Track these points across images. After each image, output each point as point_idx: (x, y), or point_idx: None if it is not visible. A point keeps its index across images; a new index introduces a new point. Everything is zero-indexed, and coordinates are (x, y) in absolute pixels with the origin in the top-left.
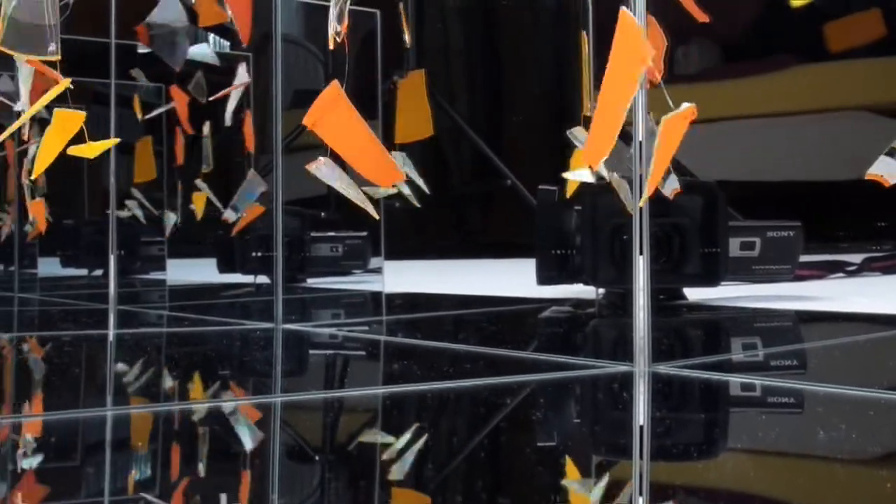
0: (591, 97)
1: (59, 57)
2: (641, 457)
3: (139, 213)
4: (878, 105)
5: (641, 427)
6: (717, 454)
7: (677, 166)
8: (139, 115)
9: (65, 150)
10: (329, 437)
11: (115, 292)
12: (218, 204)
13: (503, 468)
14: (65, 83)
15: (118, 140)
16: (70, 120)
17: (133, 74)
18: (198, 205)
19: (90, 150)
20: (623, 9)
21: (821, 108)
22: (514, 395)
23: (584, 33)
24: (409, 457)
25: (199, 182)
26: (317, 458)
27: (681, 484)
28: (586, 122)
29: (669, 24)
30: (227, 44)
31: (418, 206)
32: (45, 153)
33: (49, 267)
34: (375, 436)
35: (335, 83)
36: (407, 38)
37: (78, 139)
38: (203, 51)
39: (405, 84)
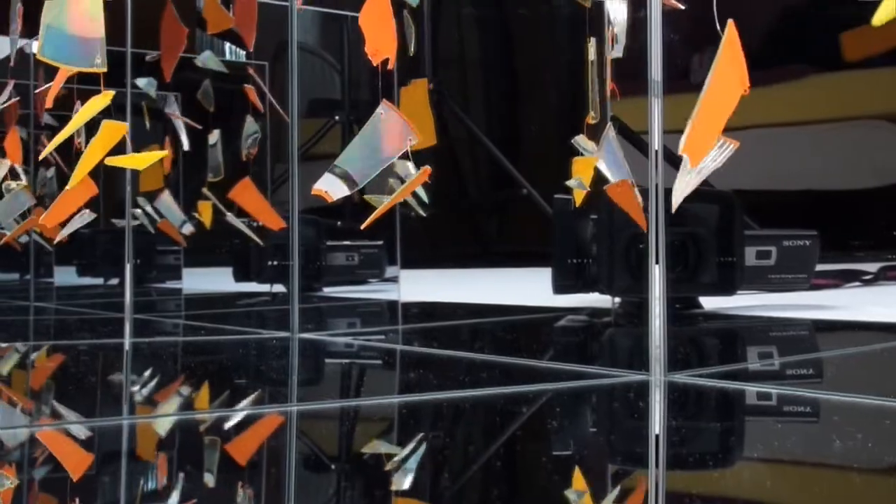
0: (594, 105)
1: (104, 69)
2: (657, 466)
3: (146, 221)
4: (894, 114)
5: (657, 436)
6: (733, 463)
7: None
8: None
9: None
10: (345, 445)
11: (130, 301)
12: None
13: (519, 477)
14: (108, 95)
15: (166, 153)
16: (115, 131)
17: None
18: (204, 214)
19: (140, 161)
20: (731, 21)
21: (837, 117)
22: (530, 404)
23: (592, 40)
24: (425, 466)
25: (205, 191)
26: (333, 466)
27: (697, 493)
28: (589, 130)
29: (685, 32)
30: (242, 52)
31: (423, 214)
32: (87, 161)
33: (65, 276)
34: (386, 447)
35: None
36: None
37: (118, 150)
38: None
39: (407, 92)
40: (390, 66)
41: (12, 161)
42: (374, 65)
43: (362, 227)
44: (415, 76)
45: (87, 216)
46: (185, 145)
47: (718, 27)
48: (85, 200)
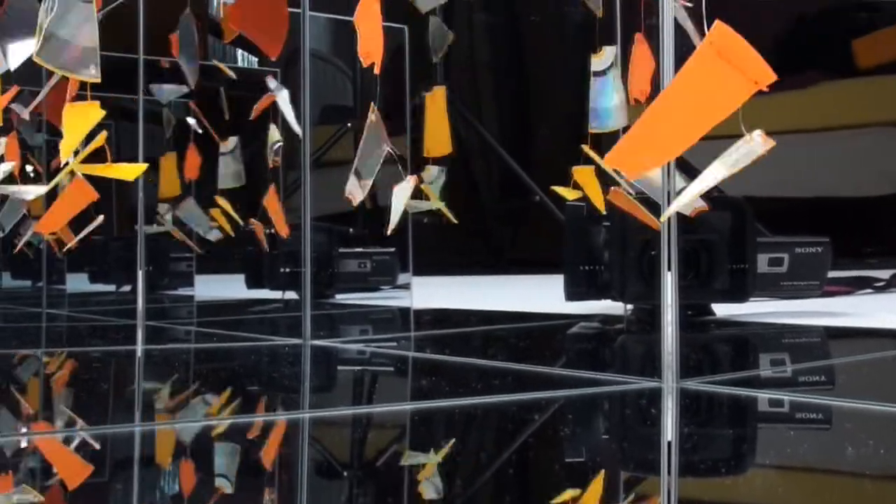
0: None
1: (98, 79)
2: (669, 473)
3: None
4: None
5: (669, 443)
6: (746, 470)
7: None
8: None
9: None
10: (357, 453)
11: (143, 308)
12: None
13: (532, 485)
14: (102, 137)
15: (146, 165)
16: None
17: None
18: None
19: (126, 171)
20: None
21: (849, 125)
22: (543, 411)
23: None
24: (438, 473)
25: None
26: (345, 474)
27: (709, 500)
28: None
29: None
30: (255, 59)
31: (455, 221)
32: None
33: (77, 283)
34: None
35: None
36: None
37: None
38: None
39: (430, 99)
40: (377, 70)
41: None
42: (365, 66)
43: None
44: (426, 82)
45: (97, 221)
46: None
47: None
48: (83, 206)
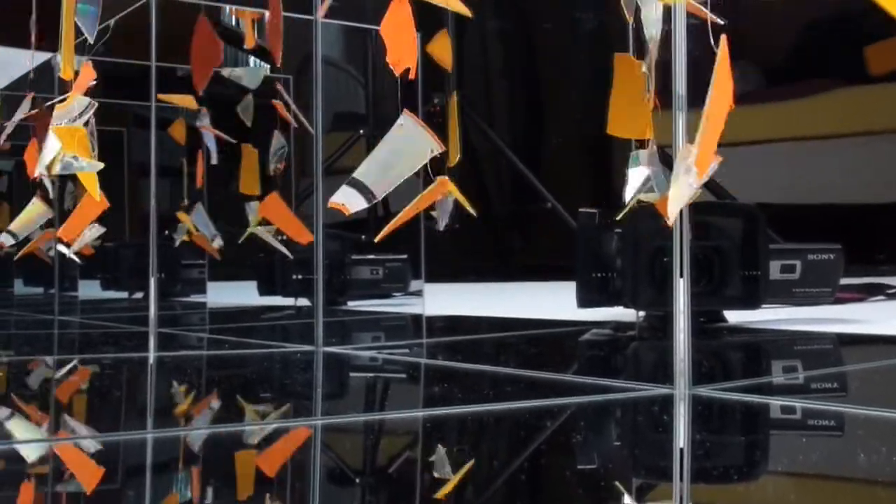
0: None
1: None
2: (682, 479)
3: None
4: None
5: (682, 450)
6: (758, 477)
7: (717, 189)
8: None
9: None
10: (370, 459)
11: (155, 315)
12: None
13: (544, 491)
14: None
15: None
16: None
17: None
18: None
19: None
20: (724, 37)
21: (861, 131)
22: (555, 418)
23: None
24: (451, 480)
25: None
26: (357, 480)
27: None
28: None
29: (710, 46)
30: (267, 66)
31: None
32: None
33: (89, 290)
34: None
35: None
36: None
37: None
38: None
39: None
40: (412, 75)
41: (30, 173)
42: (397, 75)
43: (376, 239)
44: (439, 89)
45: (97, 230)
46: (214, 159)
47: (712, 42)
48: (98, 214)
